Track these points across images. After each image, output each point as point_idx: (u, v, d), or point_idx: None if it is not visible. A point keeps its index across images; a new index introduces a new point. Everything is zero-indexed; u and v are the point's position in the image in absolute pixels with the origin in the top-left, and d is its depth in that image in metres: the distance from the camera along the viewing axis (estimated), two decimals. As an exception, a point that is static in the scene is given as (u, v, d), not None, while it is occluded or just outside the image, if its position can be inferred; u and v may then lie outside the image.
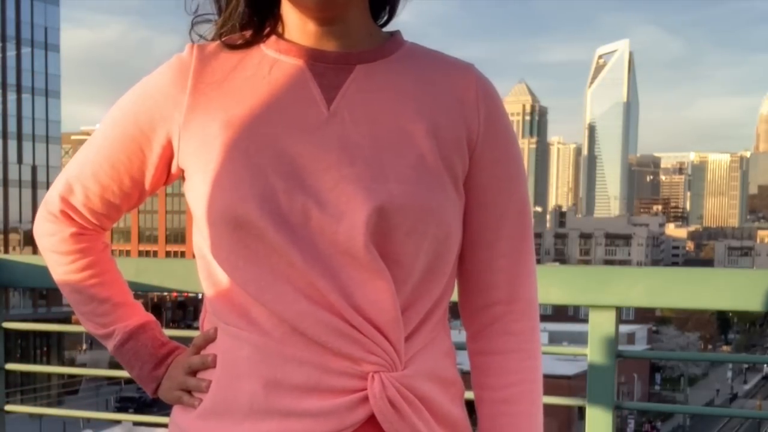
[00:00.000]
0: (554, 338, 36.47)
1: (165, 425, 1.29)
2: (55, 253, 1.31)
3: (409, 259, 1.11)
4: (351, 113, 1.14)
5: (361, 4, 1.17)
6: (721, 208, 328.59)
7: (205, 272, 1.19)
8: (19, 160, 58.86)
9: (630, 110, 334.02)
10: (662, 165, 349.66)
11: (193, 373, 1.22)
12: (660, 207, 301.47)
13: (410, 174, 1.12)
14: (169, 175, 1.24)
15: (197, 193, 1.15)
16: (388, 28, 1.25)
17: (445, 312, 1.21)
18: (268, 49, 1.19)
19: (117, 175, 1.24)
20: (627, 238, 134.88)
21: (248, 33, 1.19)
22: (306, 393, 1.10)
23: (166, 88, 1.19)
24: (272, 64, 1.17)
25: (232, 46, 1.19)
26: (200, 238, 1.17)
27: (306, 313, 1.09)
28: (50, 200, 1.30)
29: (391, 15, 1.25)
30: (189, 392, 1.21)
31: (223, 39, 1.20)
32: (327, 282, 1.09)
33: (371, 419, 1.11)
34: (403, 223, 1.10)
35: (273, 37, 1.19)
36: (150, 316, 1.35)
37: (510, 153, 1.21)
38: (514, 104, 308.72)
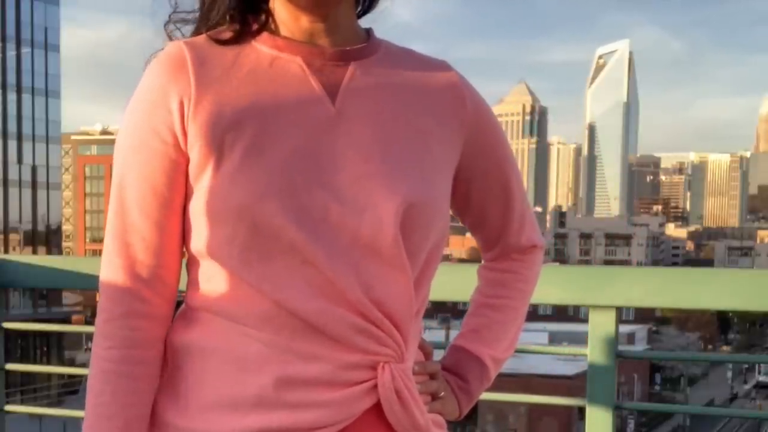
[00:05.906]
0: (554, 338, 36.37)
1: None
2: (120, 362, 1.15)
3: (419, 252, 1.13)
4: (356, 111, 1.15)
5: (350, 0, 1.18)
6: (721, 209, 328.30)
7: (205, 274, 1.14)
8: (19, 160, 58.79)
9: (630, 110, 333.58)
10: (662, 165, 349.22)
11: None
12: (660, 207, 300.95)
13: (421, 168, 1.15)
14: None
15: (202, 192, 1.10)
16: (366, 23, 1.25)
17: None
18: (261, 46, 1.16)
19: (165, 201, 1.14)
20: (627, 239, 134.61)
21: (236, 26, 1.17)
22: (318, 386, 1.10)
23: (168, 86, 1.13)
24: (270, 60, 1.15)
25: (221, 41, 1.16)
26: (201, 239, 1.12)
27: (323, 310, 1.08)
28: (116, 293, 1.15)
29: (369, 7, 1.24)
30: None
31: (209, 33, 1.17)
32: (346, 278, 1.08)
33: (373, 408, 1.12)
34: (422, 217, 1.12)
35: (265, 34, 1.17)
36: None
37: (500, 135, 1.31)
38: (514, 104, 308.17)
